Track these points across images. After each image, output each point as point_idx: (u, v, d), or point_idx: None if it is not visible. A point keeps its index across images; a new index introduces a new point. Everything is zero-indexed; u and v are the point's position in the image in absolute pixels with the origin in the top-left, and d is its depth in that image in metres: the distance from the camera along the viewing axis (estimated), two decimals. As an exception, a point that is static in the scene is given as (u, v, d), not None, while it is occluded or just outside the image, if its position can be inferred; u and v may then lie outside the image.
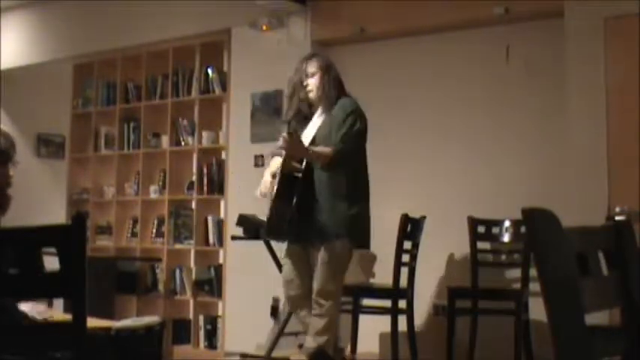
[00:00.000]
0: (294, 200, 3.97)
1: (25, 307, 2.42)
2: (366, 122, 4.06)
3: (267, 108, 5.95)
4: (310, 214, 4.00)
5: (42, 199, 7.36)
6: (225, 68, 6.30)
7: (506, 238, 4.97)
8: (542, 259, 1.32)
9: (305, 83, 4.07)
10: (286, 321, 5.13)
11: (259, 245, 5.10)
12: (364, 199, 4.06)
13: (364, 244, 4.15)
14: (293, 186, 4.00)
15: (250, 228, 5.13)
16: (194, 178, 6.43)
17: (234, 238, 5.33)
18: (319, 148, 3.99)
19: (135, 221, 6.76)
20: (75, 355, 1.74)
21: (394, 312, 4.72)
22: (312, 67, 4.07)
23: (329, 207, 3.98)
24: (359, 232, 4.04)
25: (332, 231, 3.97)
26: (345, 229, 3.98)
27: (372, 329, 5.19)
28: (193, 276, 6.27)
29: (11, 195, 2.51)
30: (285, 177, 4.00)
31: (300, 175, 4.05)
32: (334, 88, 4.05)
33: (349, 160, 4.01)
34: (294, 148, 3.91)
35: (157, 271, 6.50)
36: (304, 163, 4.03)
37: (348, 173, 4.02)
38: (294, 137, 3.90)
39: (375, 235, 4.89)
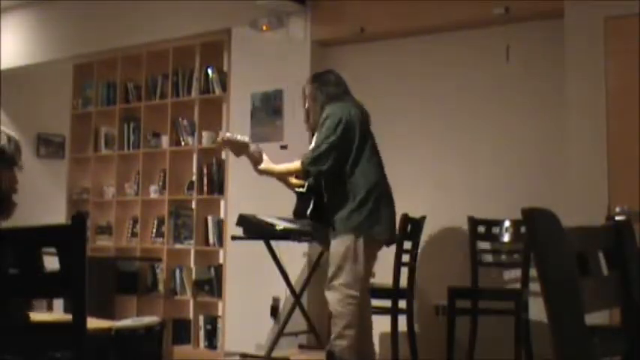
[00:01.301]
0: (309, 210, 4.21)
1: None
2: (337, 118, 4.06)
3: (267, 108, 5.95)
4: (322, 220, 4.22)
5: (42, 199, 7.36)
6: (225, 68, 6.30)
7: (506, 238, 4.97)
8: (542, 259, 1.32)
9: (306, 106, 4.36)
10: (286, 321, 5.13)
11: (259, 245, 5.09)
12: (359, 193, 4.03)
13: (373, 237, 4.06)
14: (305, 199, 4.25)
15: (250, 228, 5.13)
16: (194, 178, 6.43)
17: (234, 238, 5.33)
18: (285, 165, 4.27)
19: (135, 221, 6.76)
20: (75, 355, 1.74)
21: (394, 312, 4.72)
22: (307, 90, 4.35)
23: (331, 210, 4.12)
24: (352, 227, 4.02)
25: (332, 230, 4.10)
26: (338, 226, 4.06)
27: (373, 329, 5.18)
28: (193, 276, 6.27)
29: (16, 202, 2.51)
30: (298, 193, 4.29)
31: (302, 189, 4.27)
32: (321, 106, 4.22)
33: (327, 161, 4.05)
34: (235, 150, 4.23)
35: (157, 271, 6.50)
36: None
37: (342, 175, 4.08)
38: (224, 141, 4.22)
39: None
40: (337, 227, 4.06)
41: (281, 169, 4.27)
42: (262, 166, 4.21)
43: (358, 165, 4.08)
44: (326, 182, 4.16)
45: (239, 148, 4.21)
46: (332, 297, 4.02)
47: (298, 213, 4.28)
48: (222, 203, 6.24)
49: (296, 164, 4.16)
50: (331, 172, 4.09)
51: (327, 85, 4.25)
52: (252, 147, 4.21)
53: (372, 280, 5.41)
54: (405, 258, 4.81)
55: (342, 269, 4.00)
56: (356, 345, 3.99)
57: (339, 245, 4.04)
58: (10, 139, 2.45)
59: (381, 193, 4.10)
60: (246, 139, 4.23)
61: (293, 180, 4.33)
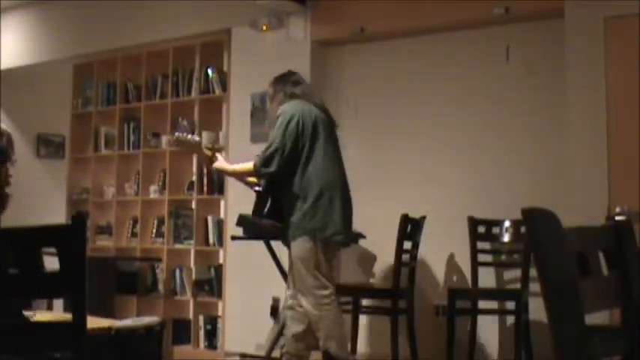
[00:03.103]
0: (265, 211, 4.15)
1: None
2: (289, 115, 4.02)
3: (267, 108, 5.94)
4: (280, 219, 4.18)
5: (42, 199, 7.36)
6: (225, 68, 6.30)
7: (506, 238, 4.97)
8: (542, 259, 1.32)
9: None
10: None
11: (259, 245, 5.09)
12: (312, 193, 3.96)
13: (327, 240, 3.98)
14: (263, 197, 4.21)
15: (250, 228, 5.13)
16: (194, 178, 6.43)
17: (234, 238, 5.32)
18: (239, 165, 4.30)
19: (135, 221, 6.76)
20: (75, 355, 1.74)
21: (394, 312, 4.72)
22: (269, 92, 4.36)
23: (285, 210, 4.06)
24: (306, 230, 3.96)
25: (290, 233, 4.04)
26: (293, 230, 4.01)
27: (372, 329, 5.18)
28: (193, 276, 6.27)
29: (10, 194, 2.51)
30: (256, 192, 4.27)
31: (259, 188, 4.26)
32: (278, 105, 4.20)
33: (275, 162, 4.00)
34: (186, 149, 4.61)
35: (157, 271, 6.50)
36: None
37: (294, 174, 4.01)
38: (176, 139, 4.40)
39: (375, 235, 4.91)
40: (293, 231, 4.00)
41: (234, 168, 4.34)
42: (215, 164, 4.32)
43: (310, 163, 4.00)
44: (280, 181, 4.08)
45: (190, 148, 4.43)
46: (307, 302, 3.94)
47: (257, 212, 4.19)
48: (222, 203, 6.24)
49: (249, 165, 4.13)
50: (282, 172, 4.02)
51: (285, 85, 4.22)
52: (208, 146, 4.44)
53: (371, 280, 5.43)
54: (405, 258, 4.81)
55: (307, 273, 3.94)
56: (347, 342, 3.97)
57: (297, 249, 3.99)
58: (1, 133, 2.44)
59: (335, 193, 4.00)
60: (197, 139, 4.44)
61: (250, 178, 4.32)
